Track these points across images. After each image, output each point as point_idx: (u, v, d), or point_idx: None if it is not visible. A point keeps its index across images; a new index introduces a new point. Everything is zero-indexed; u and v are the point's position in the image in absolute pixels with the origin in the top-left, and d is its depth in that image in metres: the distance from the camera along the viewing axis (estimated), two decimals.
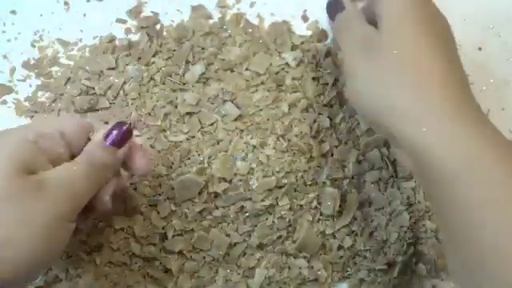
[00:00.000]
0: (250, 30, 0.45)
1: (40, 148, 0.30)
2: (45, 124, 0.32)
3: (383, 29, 0.32)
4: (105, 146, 0.32)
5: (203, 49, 0.44)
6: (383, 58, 0.31)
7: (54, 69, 0.45)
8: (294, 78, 0.43)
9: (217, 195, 0.40)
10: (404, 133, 0.29)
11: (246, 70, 0.43)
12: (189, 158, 0.41)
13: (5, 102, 0.44)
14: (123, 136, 0.32)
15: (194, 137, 0.41)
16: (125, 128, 0.32)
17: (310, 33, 0.45)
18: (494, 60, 0.45)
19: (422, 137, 0.28)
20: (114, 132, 0.32)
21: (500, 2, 0.47)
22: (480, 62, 0.45)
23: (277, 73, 0.43)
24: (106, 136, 0.32)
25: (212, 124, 0.42)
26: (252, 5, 0.46)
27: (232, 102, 0.42)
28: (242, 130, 0.41)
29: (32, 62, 0.45)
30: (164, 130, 0.42)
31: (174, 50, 0.44)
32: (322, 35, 0.45)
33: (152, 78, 0.43)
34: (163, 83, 0.43)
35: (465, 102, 0.30)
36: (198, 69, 0.43)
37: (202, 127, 0.42)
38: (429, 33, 0.31)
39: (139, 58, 0.44)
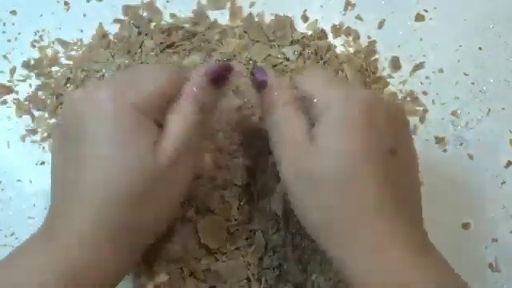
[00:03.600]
0: (250, 23, 0.45)
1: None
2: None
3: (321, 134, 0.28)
4: (206, 84, 0.30)
5: (204, 41, 0.44)
6: (312, 172, 0.28)
7: (54, 69, 0.45)
8: (293, 70, 0.43)
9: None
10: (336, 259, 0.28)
11: (246, 58, 0.43)
12: None
13: (5, 102, 0.44)
14: (227, 68, 0.31)
15: None
16: (226, 65, 0.31)
17: (310, 32, 0.45)
18: (494, 60, 0.45)
19: (354, 269, 0.27)
20: (215, 69, 0.31)
21: (500, 2, 0.47)
22: (480, 62, 0.45)
23: (275, 65, 0.43)
24: (209, 73, 0.30)
25: None
26: (252, 5, 0.46)
27: (233, 90, 0.42)
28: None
29: (32, 62, 0.45)
30: None
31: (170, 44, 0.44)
32: (322, 35, 0.45)
33: None
34: None
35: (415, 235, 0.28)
36: (196, 59, 0.43)
37: None
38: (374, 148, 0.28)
39: (128, 51, 0.44)
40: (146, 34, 0.44)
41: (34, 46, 0.45)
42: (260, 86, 0.31)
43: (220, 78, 0.31)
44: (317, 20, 0.46)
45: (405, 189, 0.29)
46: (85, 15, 0.46)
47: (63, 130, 0.30)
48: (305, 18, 0.46)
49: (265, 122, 0.32)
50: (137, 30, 0.45)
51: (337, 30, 0.46)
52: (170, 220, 0.33)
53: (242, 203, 0.40)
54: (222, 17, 0.46)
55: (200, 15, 0.45)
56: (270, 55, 0.43)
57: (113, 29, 0.46)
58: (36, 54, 0.45)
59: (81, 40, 0.45)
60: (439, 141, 0.44)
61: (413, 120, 0.44)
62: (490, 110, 0.44)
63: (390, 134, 0.28)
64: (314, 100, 0.29)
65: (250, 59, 0.43)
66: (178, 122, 0.29)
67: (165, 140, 0.28)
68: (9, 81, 0.45)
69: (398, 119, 0.30)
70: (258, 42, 0.44)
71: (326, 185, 0.27)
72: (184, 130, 0.29)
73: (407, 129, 0.31)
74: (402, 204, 0.28)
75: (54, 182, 0.30)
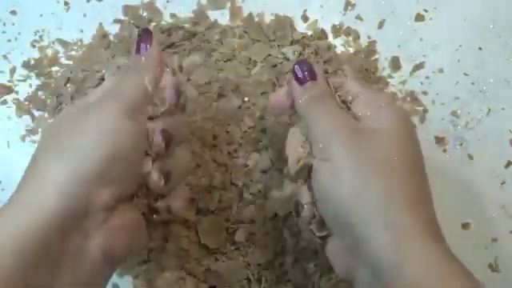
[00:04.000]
0: (250, 23, 0.45)
1: None
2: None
3: (385, 133, 0.30)
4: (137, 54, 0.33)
5: (204, 41, 0.44)
6: (374, 155, 0.29)
7: (54, 69, 0.45)
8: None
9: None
10: (374, 242, 0.27)
11: (246, 57, 0.43)
12: None
13: (5, 102, 0.44)
14: (147, 40, 0.32)
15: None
16: (147, 35, 0.33)
17: (310, 32, 0.45)
18: (494, 60, 0.45)
19: (395, 253, 0.26)
20: (140, 43, 0.32)
21: (500, 2, 0.47)
22: (480, 62, 0.45)
23: (275, 65, 0.43)
24: (137, 50, 0.32)
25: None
26: (252, 5, 0.46)
27: (232, 91, 0.42)
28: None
29: (32, 62, 0.45)
30: None
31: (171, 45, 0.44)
32: (322, 35, 0.45)
33: None
34: None
35: (440, 236, 0.29)
36: (196, 59, 0.43)
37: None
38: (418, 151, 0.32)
39: (128, 51, 0.44)
40: None
41: (34, 46, 0.45)
42: (305, 79, 0.33)
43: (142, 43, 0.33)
44: (317, 20, 0.46)
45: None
46: (85, 15, 0.46)
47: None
48: (305, 18, 0.46)
49: (307, 111, 0.32)
50: (137, 30, 0.45)
51: (337, 30, 0.46)
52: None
53: (241, 203, 0.40)
54: (222, 17, 0.46)
55: (200, 15, 0.45)
56: (270, 55, 0.43)
57: (113, 29, 0.46)
58: (36, 54, 0.45)
59: (81, 40, 0.45)
60: (439, 141, 0.44)
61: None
62: (489, 109, 0.44)
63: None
64: (359, 96, 0.31)
65: (250, 59, 0.43)
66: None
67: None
68: (9, 81, 0.45)
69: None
70: (258, 41, 0.44)
71: (389, 165, 0.29)
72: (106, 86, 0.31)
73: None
74: (429, 199, 0.30)
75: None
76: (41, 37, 0.46)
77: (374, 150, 0.29)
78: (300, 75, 0.32)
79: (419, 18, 0.46)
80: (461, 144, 0.44)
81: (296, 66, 0.32)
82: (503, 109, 0.44)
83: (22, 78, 0.45)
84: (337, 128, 0.30)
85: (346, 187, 0.28)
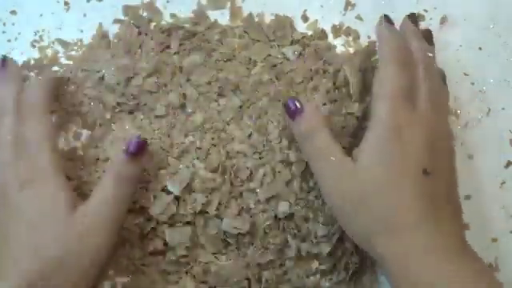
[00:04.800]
0: (250, 23, 0.45)
1: None
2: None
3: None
4: (128, 159, 0.34)
5: (204, 41, 0.44)
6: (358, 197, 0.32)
7: (54, 69, 0.45)
8: (292, 71, 0.43)
9: None
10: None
11: (246, 57, 0.43)
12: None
13: None
14: (143, 145, 0.35)
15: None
16: (141, 140, 0.35)
17: (310, 33, 0.45)
18: (494, 60, 0.45)
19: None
20: (133, 142, 0.34)
21: (500, 2, 0.47)
22: (480, 61, 0.45)
23: (275, 65, 0.43)
24: (127, 149, 0.34)
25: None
26: (252, 5, 0.46)
27: (232, 91, 0.42)
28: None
29: (32, 62, 0.45)
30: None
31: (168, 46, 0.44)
32: (322, 35, 0.45)
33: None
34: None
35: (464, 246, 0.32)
36: (196, 58, 0.43)
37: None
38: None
39: (128, 51, 0.44)
40: (146, 34, 0.44)
41: (34, 46, 0.45)
42: (294, 113, 0.34)
43: (138, 153, 0.34)
44: (317, 20, 0.46)
45: (442, 203, 0.32)
46: (85, 15, 0.46)
47: None
48: (305, 18, 0.46)
49: (302, 148, 0.35)
50: (137, 29, 0.45)
51: (337, 30, 0.46)
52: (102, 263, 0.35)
53: (242, 205, 0.40)
54: (222, 17, 0.46)
55: (200, 15, 0.45)
56: (270, 55, 0.43)
57: (113, 29, 0.46)
58: (36, 54, 0.45)
59: (81, 40, 0.45)
60: None
61: None
62: (490, 109, 0.44)
63: (424, 155, 0.32)
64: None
65: (250, 59, 0.43)
66: (99, 195, 0.34)
67: (84, 208, 0.33)
68: None
69: (440, 142, 0.33)
70: (258, 41, 0.44)
71: (368, 202, 0.31)
72: (104, 203, 0.34)
73: (449, 151, 0.35)
74: (439, 216, 0.31)
75: None
76: (41, 37, 0.46)
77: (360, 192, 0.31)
78: (289, 109, 0.35)
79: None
80: (461, 144, 0.44)
81: (287, 102, 0.35)
82: (503, 109, 0.44)
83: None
84: (327, 171, 0.33)
85: (345, 225, 0.33)
